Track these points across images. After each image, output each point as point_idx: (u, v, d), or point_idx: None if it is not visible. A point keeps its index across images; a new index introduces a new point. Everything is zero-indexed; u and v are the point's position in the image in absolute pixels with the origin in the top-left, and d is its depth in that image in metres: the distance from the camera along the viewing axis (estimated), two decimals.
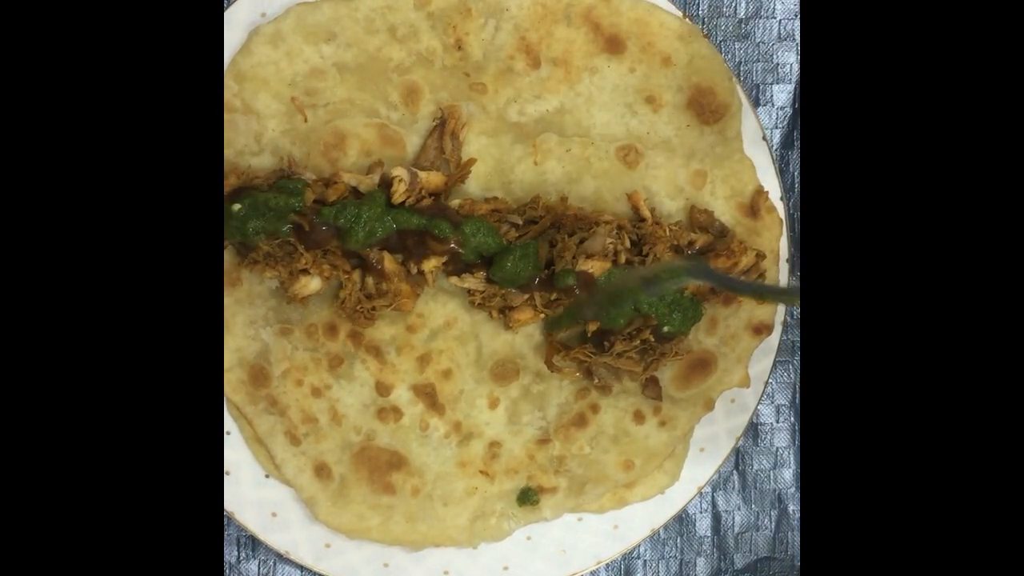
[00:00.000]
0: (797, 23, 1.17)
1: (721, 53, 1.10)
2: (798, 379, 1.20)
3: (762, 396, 1.13)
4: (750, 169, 1.08)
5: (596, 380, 1.07)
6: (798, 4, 1.16)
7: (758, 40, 1.16)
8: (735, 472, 1.20)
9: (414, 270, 1.02)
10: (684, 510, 1.15)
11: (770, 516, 1.20)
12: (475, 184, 1.05)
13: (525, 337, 1.08)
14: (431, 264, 1.01)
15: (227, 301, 1.04)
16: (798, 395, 1.20)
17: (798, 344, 1.19)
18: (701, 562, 1.20)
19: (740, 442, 1.14)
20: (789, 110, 1.17)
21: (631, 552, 1.17)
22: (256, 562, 1.14)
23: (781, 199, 1.10)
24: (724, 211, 1.08)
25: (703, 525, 1.20)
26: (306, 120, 1.04)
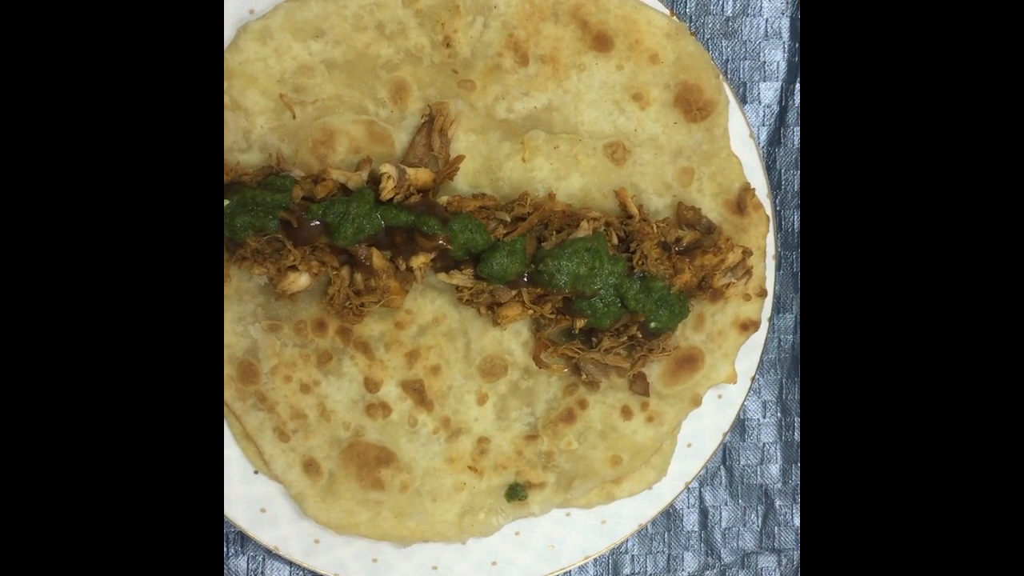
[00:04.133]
0: (784, 21, 1.17)
1: (708, 51, 1.10)
2: (784, 375, 1.20)
3: (749, 392, 1.14)
4: (737, 166, 1.09)
5: (584, 376, 1.07)
6: (785, 2, 1.17)
7: (745, 38, 1.17)
8: (722, 467, 1.21)
9: (403, 266, 1.02)
10: (671, 505, 1.16)
11: (757, 511, 1.21)
12: (463, 181, 1.06)
13: (513, 333, 1.08)
14: (419, 260, 1.01)
15: None
16: (784, 391, 1.21)
17: (784, 340, 1.20)
18: (688, 557, 1.20)
19: (727, 438, 1.15)
20: (776, 107, 1.18)
21: (619, 547, 1.17)
22: (245, 558, 1.14)
23: (768, 196, 1.11)
24: (711, 208, 1.08)
25: (690, 520, 1.20)
26: (294, 117, 1.04)
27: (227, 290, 1.05)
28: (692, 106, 1.07)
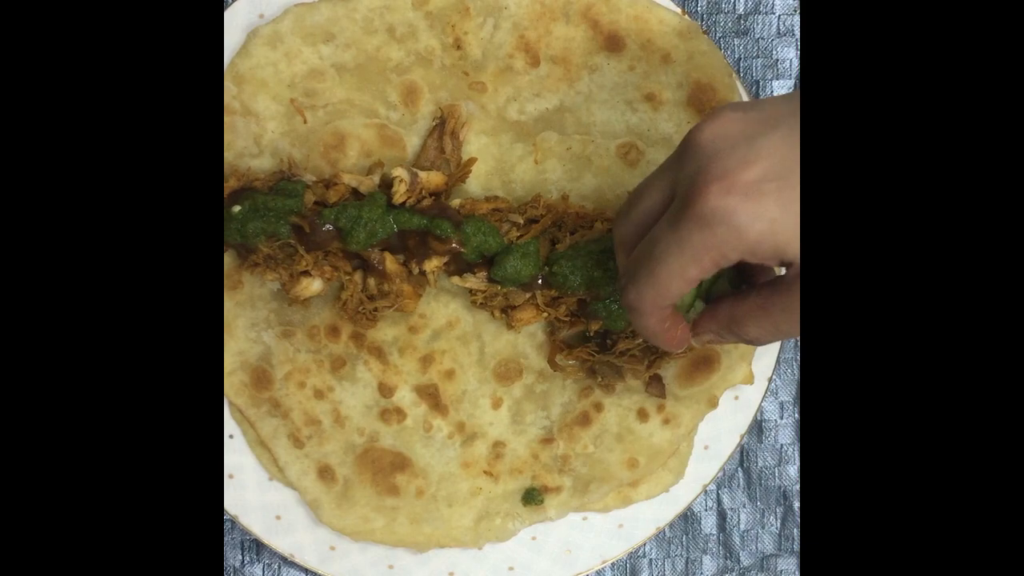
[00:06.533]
0: (796, 18, 1.16)
1: (721, 49, 1.09)
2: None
3: (766, 393, 1.13)
4: None
5: (599, 379, 1.06)
6: None
7: (757, 36, 1.16)
8: (740, 469, 1.20)
9: (416, 270, 1.01)
10: (689, 508, 1.15)
11: (775, 513, 1.20)
12: (476, 183, 1.05)
13: (527, 336, 1.07)
14: (433, 264, 1.01)
15: (228, 304, 1.04)
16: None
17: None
18: (707, 560, 1.19)
19: (744, 439, 1.14)
20: None
21: (637, 551, 1.16)
22: (261, 566, 1.14)
23: None
24: None
25: (708, 523, 1.19)
26: (305, 121, 1.04)
27: (240, 296, 1.05)
28: (705, 105, 1.06)
